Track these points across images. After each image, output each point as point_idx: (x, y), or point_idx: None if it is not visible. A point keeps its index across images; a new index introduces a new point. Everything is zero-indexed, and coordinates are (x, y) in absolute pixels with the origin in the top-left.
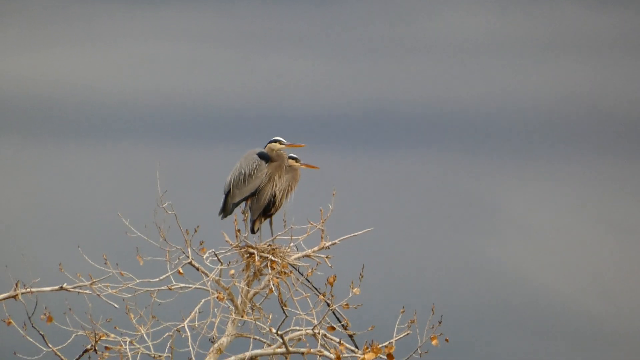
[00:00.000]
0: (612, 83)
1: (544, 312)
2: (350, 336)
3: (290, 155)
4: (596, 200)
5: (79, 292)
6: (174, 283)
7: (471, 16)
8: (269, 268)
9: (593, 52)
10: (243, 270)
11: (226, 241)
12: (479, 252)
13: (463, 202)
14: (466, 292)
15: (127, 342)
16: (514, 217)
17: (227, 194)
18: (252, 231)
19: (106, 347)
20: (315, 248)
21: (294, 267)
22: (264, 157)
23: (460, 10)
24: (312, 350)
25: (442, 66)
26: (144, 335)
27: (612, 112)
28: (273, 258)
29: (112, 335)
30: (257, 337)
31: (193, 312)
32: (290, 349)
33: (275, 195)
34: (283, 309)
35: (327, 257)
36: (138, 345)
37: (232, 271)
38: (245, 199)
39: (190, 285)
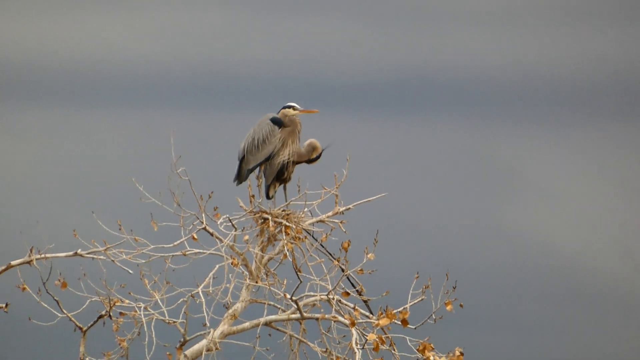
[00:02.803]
0: (632, 48)
1: (563, 276)
2: (365, 302)
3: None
4: (616, 164)
5: (93, 258)
6: (188, 249)
7: None
8: (283, 233)
9: (613, 17)
10: (257, 235)
11: (240, 207)
12: (495, 217)
13: (479, 167)
14: (482, 257)
15: (142, 308)
16: (534, 181)
17: (241, 160)
18: (267, 197)
19: (121, 313)
20: (330, 213)
21: (308, 232)
22: (277, 122)
23: None
24: (326, 315)
25: (462, 32)
26: (159, 301)
27: (633, 77)
28: (287, 223)
29: (127, 301)
30: (272, 303)
31: (207, 278)
32: (305, 314)
33: (288, 160)
34: (297, 275)
35: (341, 223)
36: (152, 311)
37: (247, 237)
38: (260, 164)
39: (205, 251)
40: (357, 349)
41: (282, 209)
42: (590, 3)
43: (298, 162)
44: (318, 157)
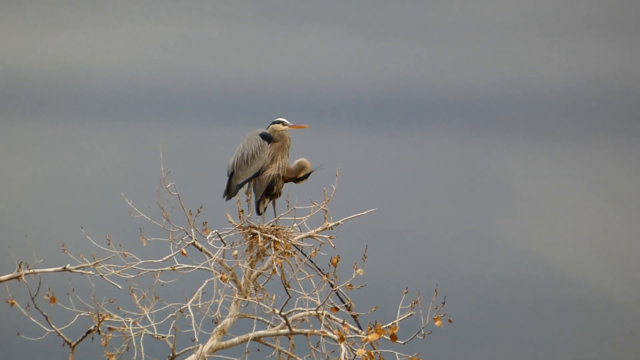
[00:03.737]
0: (625, 62)
1: (555, 290)
2: (354, 317)
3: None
4: (607, 178)
5: (82, 273)
6: (177, 264)
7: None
8: (272, 249)
9: (608, 32)
10: (246, 250)
11: (229, 222)
12: (486, 231)
13: (470, 182)
14: (472, 272)
15: (131, 323)
16: (525, 195)
17: (231, 176)
18: (258, 212)
19: (109, 328)
20: (319, 228)
21: (297, 247)
22: (267, 137)
23: None
24: (315, 331)
25: (453, 48)
26: (147, 316)
27: (625, 92)
28: (276, 239)
29: (116, 316)
30: (261, 318)
31: (196, 293)
32: (294, 329)
33: (277, 176)
34: (286, 290)
35: (330, 238)
36: (141, 326)
37: (236, 252)
38: (249, 180)
39: (194, 266)
40: None
41: (271, 224)
42: (585, 18)
43: (287, 180)
44: (306, 177)
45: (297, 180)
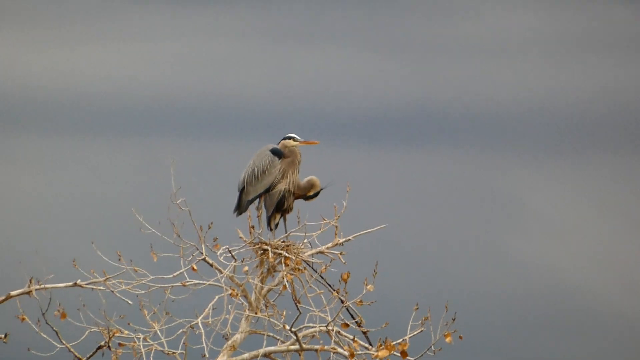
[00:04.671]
0: (636, 79)
1: (566, 307)
2: (364, 333)
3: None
4: (619, 195)
5: (92, 289)
6: (188, 279)
7: (498, 18)
8: (283, 264)
9: (617, 49)
10: (257, 266)
11: (240, 237)
12: (496, 248)
13: (481, 199)
14: (483, 288)
15: (141, 339)
16: (536, 212)
17: (242, 191)
18: (269, 228)
19: (120, 344)
20: (329, 244)
21: (307, 263)
22: (277, 153)
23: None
24: (325, 347)
25: (463, 66)
26: (158, 331)
27: (636, 109)
28: (287, 254)
29: (126, 331)
30: (271, 334)
31: (207, 309)
32: (304, 345)
33: (288, 191)
34: (297, 306)
35: (341, 254)
36: (152, 342)
37: (246, 268)
38: (259, 195)
39: (204, 282)
40: None
41: (281, 240)
42: (593, 36)
43: (296, 197)
44: (316, 195)
45: (306, 198)
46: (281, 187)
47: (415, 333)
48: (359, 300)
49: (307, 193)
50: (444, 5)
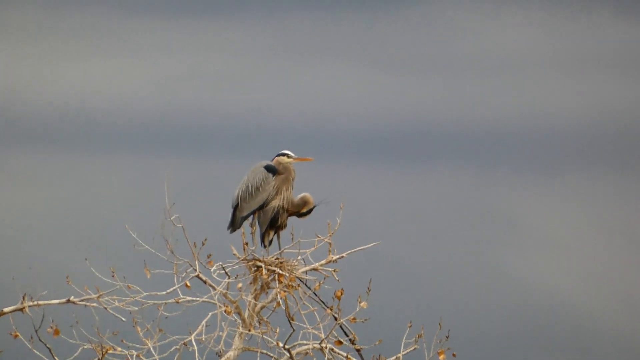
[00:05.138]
0: (632, 97)
1: (559, 325)
2: (358, 350)
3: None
4: (616, 213)
5: (86, 305)
6: (181, 296)
7: (495, 36)
8: (277, 281)
9: (613, 67)
10: (250, 283)
11: (234, 254)
12: (491, 265)
13: (476, 216)
14: (476, 306)
15: (134, 356)
16: (531, 230)
17: (235, 208)
18: (262, 245)
19: None
20: (323, 261)
21: (301, 280)
22: (271, 170)
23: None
24: None
25: (459, 84)
26: (151, 348)
27: (633, 126)
28: (280, 271)
29: (119, 348)
30: (265, 351)
31: (200, 326)
32: None
33: (282, 208)
34: (290, 323)
35: (334, 271)
36: (145, 359)
37: (240, 284)
38: (253, 212)
39: (198, 299)
40: None
41: (275, 257)
42: (588, 53)
43: (290, 214)
44: (309, 212)
45: (299, 215)
46: (275, 203)
47: (408, 350)
48: (352, 317)
49: (300, 210)
50: (440, 24)
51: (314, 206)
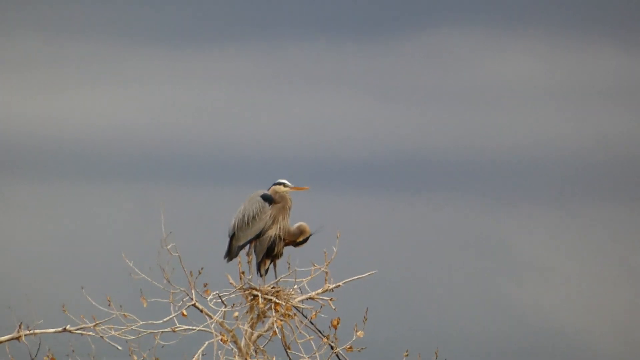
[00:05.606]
0: (631, 128)
1: (557, 355)
2: None
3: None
4: (615, 244)
5: (82, 334)
6: (178, 325)
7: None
8: (273, 310)
9: (613, 98)
10: (247, 312)
11: (230, 283)
12: (488, 295)
13: (473, 245)
14: (473, 335)
15: None
16: (529, 260)
17: (232, 237)
18: (259, 273)
19: None
20: (319, 290)
21: (297, 309)
22: (268, 199)
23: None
24: None
25: (459, 114)
26: None
27: (634, 159)
28: (277, 300)
29: None
30: None
31: (197, 355)
32: None
33: (278, 237)
34: (287, 352)
35: (331, 300)
36: None
37: (236, 313)
38: (250, 241)
39: (194, 327)
40: None
41: (271, 286)
42: (587, 85)
43: (286, 244)
44: (305, 241)
45: (296, 244)
46: (271, 233)
47: None
48: (349, 346)
49: (296, 239)
50: (439, 54)
51: (310, 235)
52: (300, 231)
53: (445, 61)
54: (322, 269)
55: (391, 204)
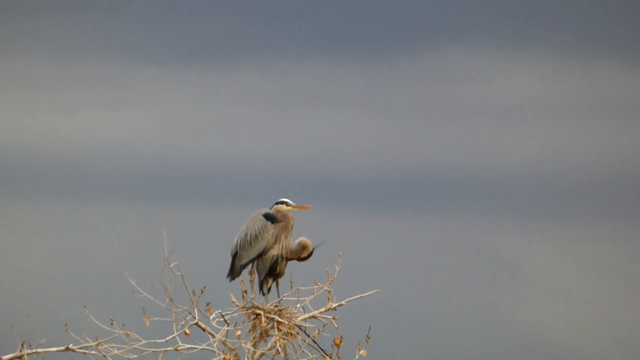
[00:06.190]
0: (634, 145)
1: None
2: None
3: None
4: (617, 260)
5: (85, 353)
6: (181, 344)
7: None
8: (276, 329)
9: (617, 115)
10: (249, 331)
11: (233, 302)
12: (493, 313)
13: (476, 263)
14: (477, 353)
15: None
16: (533, 276)
17: (234, 256)
18: (261, 292)
19: None
20: (322, 309)
21: (300, 328)
22: (270, 218)
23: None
24: None
25: (461, 131)
26: None
27: (634, 174)
28: (280, 319)
29: None
30: None
31: None
32: None
33: (281, 256)
34: None
35: (333, 318)
36: None
37: (239, 332)
38: (252, 260)
39: (197, 346)
40: None
41: (274, 305)
42: (593, 102)
43: (289, 259)
44: (309, 256)
45: (300, 259)
46: (274, 252)
47: None
48: None
49: (300, 255)
50: (445, 72)
51: (314, 249)
52: (302, 247)
53: (450, 80)
54: (325, 287)
55: (394, 222)
